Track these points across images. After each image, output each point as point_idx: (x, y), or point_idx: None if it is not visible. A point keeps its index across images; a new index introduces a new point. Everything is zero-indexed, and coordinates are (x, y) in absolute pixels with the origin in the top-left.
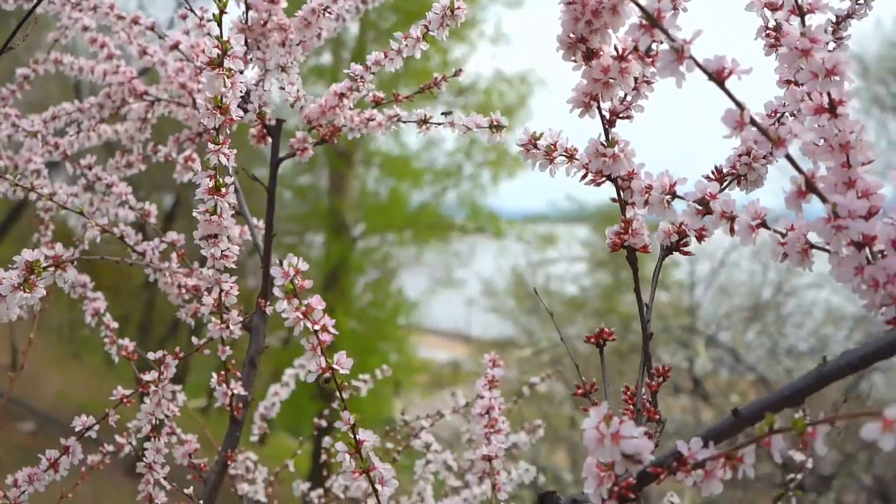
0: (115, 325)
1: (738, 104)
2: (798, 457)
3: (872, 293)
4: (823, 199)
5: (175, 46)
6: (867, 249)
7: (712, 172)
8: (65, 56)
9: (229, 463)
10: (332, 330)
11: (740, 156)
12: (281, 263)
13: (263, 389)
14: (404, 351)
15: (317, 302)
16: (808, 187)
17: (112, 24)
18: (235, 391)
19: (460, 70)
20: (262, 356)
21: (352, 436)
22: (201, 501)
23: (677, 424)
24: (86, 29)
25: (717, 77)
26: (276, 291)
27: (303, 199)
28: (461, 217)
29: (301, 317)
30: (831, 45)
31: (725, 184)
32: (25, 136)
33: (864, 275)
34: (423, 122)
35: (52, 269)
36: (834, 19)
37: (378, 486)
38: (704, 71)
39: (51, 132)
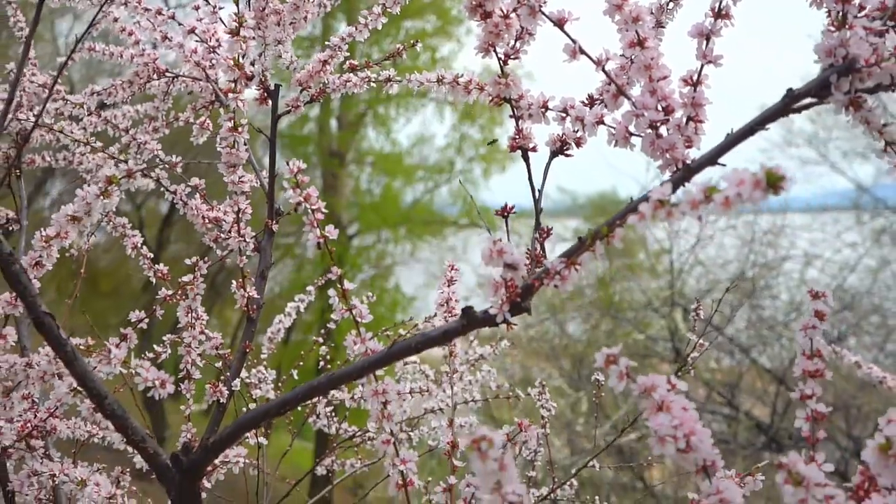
0: (150, 255)
1: (572, 41)
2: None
3: (661, 158)
4: (629, 98)
5: (191, 31)
6: (658, 130)
7: (586, 97)
8: (97, 44)
9: (247, 351)
10: (324, 210)
11: (604, 85)
12: (288, 163)
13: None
14: None
15: (313, 191)
16: (619, 92)
17: (139, 16)
18: (251, 294)
19: (416, 41)
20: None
21: (339, 285)
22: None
23: None
24: (116, 20)
25: (559, 23)
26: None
27: None
28: (454, 212)
29: (303, 200)
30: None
31: (595, 106)
32: (74, 107)
33: (655, 146)
34: (388, 80)
35: (125, 178)
36: None
37: (358, 319)
38: (550, 20)
39: (93, 106)
